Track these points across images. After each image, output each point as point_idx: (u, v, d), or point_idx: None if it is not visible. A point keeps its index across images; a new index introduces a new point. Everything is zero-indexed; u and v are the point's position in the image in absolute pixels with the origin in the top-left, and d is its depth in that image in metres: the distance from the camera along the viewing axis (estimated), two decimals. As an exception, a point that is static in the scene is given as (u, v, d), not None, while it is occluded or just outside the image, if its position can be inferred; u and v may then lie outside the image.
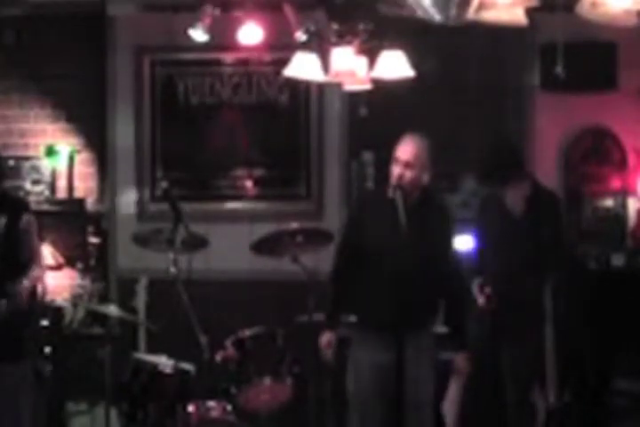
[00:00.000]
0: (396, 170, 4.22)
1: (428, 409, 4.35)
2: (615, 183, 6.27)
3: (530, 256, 4.92)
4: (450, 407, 4.56)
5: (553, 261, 5.00)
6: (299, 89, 6.31)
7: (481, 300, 4.95)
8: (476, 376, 5.08)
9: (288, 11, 5.26)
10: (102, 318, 5.46)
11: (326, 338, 4.39)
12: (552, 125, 6.21)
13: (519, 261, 4.93)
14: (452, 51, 6.19)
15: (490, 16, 3.29)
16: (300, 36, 4.99)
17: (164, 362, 4.76)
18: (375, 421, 4.25)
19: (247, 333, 4.90)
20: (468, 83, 6.32)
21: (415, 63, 4.54)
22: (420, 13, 3.16)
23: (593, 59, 5.94)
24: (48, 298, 5.91)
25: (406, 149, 4.25)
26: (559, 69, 3.50)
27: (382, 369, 4.17)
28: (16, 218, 4.65)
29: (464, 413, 5.19)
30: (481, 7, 3.16)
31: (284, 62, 4.76)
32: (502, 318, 4.96)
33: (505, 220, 5.04)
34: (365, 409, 4.27)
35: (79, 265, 6.17)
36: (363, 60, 4.59)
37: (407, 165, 4.22)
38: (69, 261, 6.19)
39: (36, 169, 6.33)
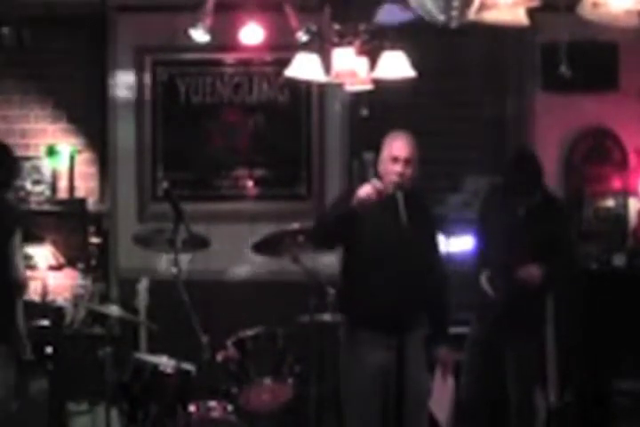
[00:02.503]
0: (395, 168, 4.21)
1: (426, 408, 4.36)
2: (616, 183, 6.27)
3: (531, 257, 4.93)
4: (441, 407, 4.55)
5: (559, 271, 5.00)
6: (299, 89, 6.31)
7: (490, 292, 4.96)
8: (478, 376, 5.10)
9: (289, 11, 5.26)
10: (103, 318, 5.46)
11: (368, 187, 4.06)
12: (553, 126, 6.21)
13: (522, 262, 4.93)
14: (453, 51, 6.19)
15: (491, 16, 3.29)
16: (301, 36, 5.00)
17: (165, 362, 4.76)
18: (374, 421, 4.24)
19: (248, 333, 4.90)
20: (469, 83, 6.33)
21: (415, 63, 4.54)
22: (421, 14, 3.16)
23: (594, 59, 5.94)
24: (49, 298, 5.93)
25: (402, 147, 4.25)
26: (563, 69, 3.50)
27: (382, 369, 4.17)
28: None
29: (464, 413, 5.19)
30: (482, 7, 3.16)
31: (284, 62, 4.75)
32: (504, 318, 4.96)
33: (510, 220, 5.05)
34: (365, 409, 4.25)
35: (80, 265, 6.17)
36: (363, 61, 4.59)
37: (407, 162, 4.23)
38: (70, 262, 6.19)
39: (36, 169, 6.33)
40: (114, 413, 4.96)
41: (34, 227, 5.35)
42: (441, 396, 4.52)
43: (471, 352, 5.14)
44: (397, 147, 4.26)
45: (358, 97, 5.31)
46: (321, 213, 4.52)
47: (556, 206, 5.15)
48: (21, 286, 4.74)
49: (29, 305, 5.09)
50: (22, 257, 4.80)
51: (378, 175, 4.32)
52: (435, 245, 4.47)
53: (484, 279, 5.01)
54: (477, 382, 5.10)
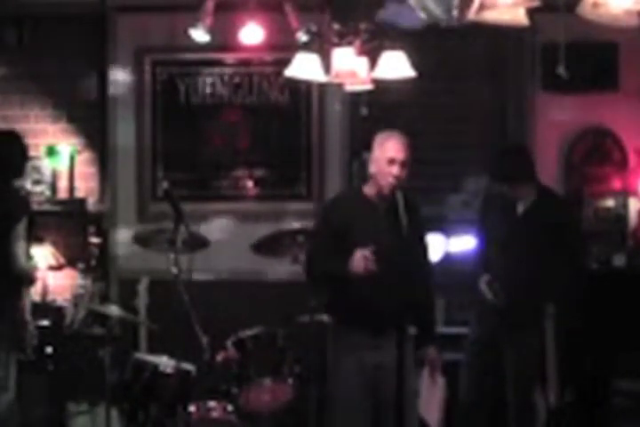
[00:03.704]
0: (393, 171, 4.18)
1: (417, 408, 4.36)
2: (616, 183, 6.27)
3: (531, 256, 4.93)
4: (432, 408, 4.54)
5: (570, 275, 5.00)
6: (299, 89, 6.31)
7: (490, 296, 4.96)
8: (477, 376, 5.10)
9: (289, 11, 5.26)
10: (103, 319, 5.46)
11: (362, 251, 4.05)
12: (553, 126, 6.21)
13: (522, 261, 4.93)
14: (453, 51, 6.19)
15: (491, 17, 3.29)
16: (301, 36, 5.00)
17: (165, 362, 4.76)
18: (363, 422, 4.22)
19: (248, 333, 4.90)
20: (469, 83, 6.33)
21: (415, 63, 4.54)
22: (422, 14, 3.16)
23: (594, 59, 5.94)
24: (49, 298, 5.93)
25: (399, 149, 4.21)
26: (561, 70, 3.50)
27: (371, 370, 4.16)
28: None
29: (464, 413, 5.19)
30: (482, 8, 3.16)
31: (284, 63, 4.76)
32: (504, 318, 4.96)
33: (510, 219, 5.05)
34: (352, 410, 4.22)
35: (80, 265, 6.16)
36: (363, 61, 4.59)
37: (403, 164, 4.21)
38: (70, 262, 6.19)
39: (36, 169, 6.32)
40: (114, 413, 4.96)
41: (34, 227, 5.34)
42: (431, 397, 4.50)
43: (471, 352, 5.15)
44: (393, 148, 4.22)
45: (358, 97, 5.31)
46: (309, 260, 4.38)
47: (556, 203, 5.14)
48: (22, 273, 4.76)
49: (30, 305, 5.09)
50: (25, 246, 4.81)
51: (370, 176, 4.30)
52: (423, 246, 4.45)
53: (483, 284, 5.00)
54: (477, 382, 5.10)
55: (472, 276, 5.12)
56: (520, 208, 5.04)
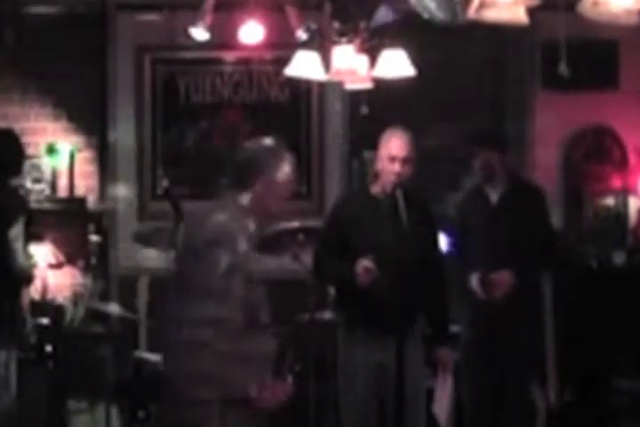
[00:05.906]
0: (394, 168, 4.19)
1: (424, 406, 4.34)
2: (616, 182, 6.27)
3: (511, 247, 4.86)
4: (441, 406, 4.55)
5: (548, 259, 4.97)
6: (300, 88, 6.31)
7: (481, 293, 4.91)
8: (476, 376, 5.09)
9: (289, 9, 5.26)
10: (103, 317, 5.47)
11: (363, 263, 4.10)
12: (553, 124, 6.21)
13: (503, 251, 4.87)
14: (453, 50, 6.19)
15: (491, 15, 3.29)
16: (301, 34, 5.00)
17: (165, 361, 4.75)
18: (370, 420, 4.23)
19: (248, 332, 4.89)
20: (469, 82, 6.32)
21: (415, 62, 4.54)
22: (422, 13, 3.16)
23: (594, 58, 5.94)
24: (49, 296, 5.93)
25: (400, 146, 4.22)
26: (562, 68, 3.50)
27: (379, 368, 4.16)
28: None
29: (464, 412, 5.19)
30: (482, 6, 3.16)
31: (284, 61, 4.76)
32: (499, 316, 4.94)
33: (485, 211, 4.99)
34: (361, 409, 4.23)
35: (80, 263, 6.17)
36: (363, 59, 4.59)
37: (405, 161, 4.21)
38: (70, 260, 6.19)
39: (36, 168, 6.33)
40: (114, 411, 4.97)
41: (33, 225, 5.35)
42: (441, 396, 4.51)
43: (467, 353, 5.11)
44: (395, 146, 4.23)
45: (358, 95, 5.31)
46: (316, 261, 4.43)
47: (530, 193, 5.07)
48: (21, 272, 4.76)
49: (29, 304, 5.09)
50: (23, 245, 4.81)
51: (375, 173, 4.31)
52: (434, 245, 4.45)
53: (474, 281, 4.96)
54: (476, 381, 5.09)
55: (457, 276, 5.07)
56: (494, 198, 4.98)
